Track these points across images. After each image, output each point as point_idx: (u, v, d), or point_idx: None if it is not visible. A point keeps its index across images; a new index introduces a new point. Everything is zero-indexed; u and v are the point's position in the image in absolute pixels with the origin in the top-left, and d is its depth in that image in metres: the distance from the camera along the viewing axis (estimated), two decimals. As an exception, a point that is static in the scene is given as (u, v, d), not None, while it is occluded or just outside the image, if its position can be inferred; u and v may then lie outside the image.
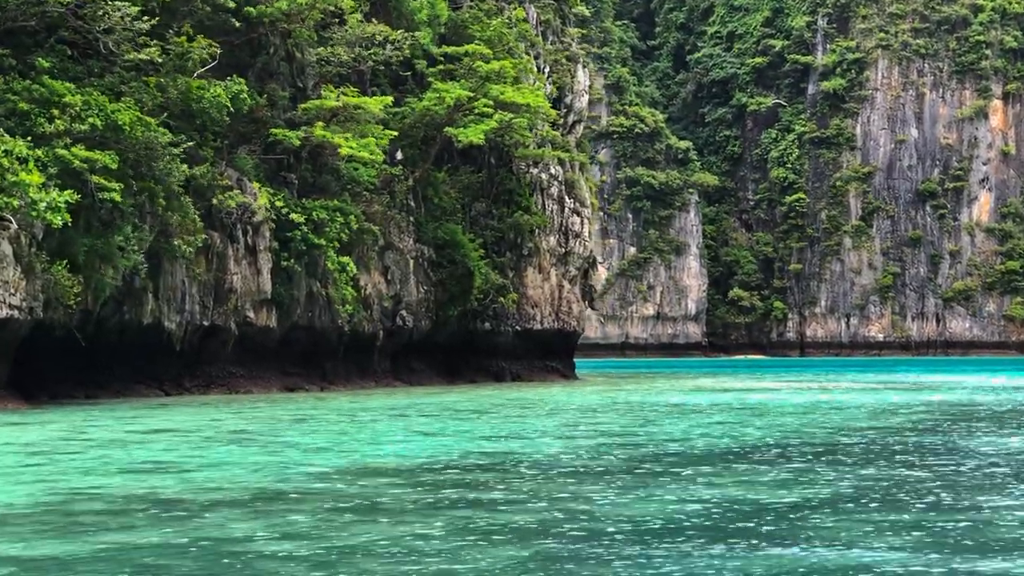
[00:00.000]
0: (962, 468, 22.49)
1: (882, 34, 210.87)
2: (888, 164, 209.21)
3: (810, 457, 24.44)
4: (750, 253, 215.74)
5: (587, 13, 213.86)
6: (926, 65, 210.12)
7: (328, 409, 42.14)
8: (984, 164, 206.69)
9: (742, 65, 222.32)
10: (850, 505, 17.46)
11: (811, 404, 46.51)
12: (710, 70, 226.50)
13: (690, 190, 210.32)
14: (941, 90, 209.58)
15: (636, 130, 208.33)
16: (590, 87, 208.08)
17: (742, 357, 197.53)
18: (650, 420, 36.45)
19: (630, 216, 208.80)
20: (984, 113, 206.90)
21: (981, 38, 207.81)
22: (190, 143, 49.63)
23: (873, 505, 17.46)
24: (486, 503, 17.51)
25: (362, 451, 25.87)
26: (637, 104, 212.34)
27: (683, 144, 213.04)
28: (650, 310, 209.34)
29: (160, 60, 49.02)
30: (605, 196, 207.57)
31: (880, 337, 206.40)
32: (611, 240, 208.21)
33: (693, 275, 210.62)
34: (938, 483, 19.98)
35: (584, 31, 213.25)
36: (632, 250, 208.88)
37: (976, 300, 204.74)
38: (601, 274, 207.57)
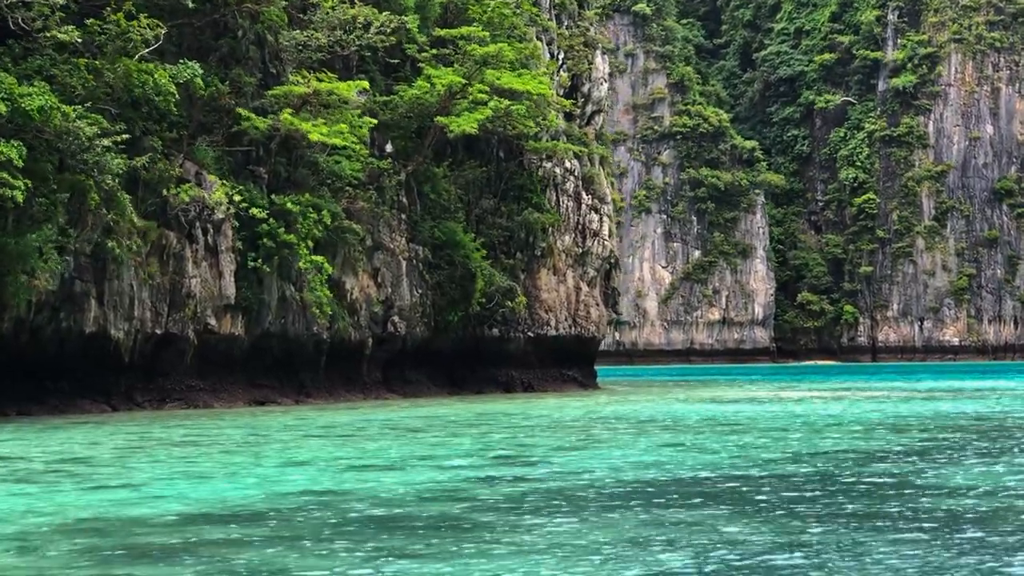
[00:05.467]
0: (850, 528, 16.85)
1: (955, 27, 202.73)
2: (962, 162, 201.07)
3: (698, 504, 18.88)
4: (819, 255, 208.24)
5: (648, 11, 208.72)
6: (1001, 59, 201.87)
7: (245, 427, 36.98)
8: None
9: (810, 62, 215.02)
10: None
11: (809, 418, 40.80)
12: (777, 68, 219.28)
13: (756, 191, 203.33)
14: (1018, 85, 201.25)
15: (700, 130, 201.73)
16: (654, 86, 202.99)
17: (811, 363, 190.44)
18: (599, 441, 30.98)
19: (694, 218, 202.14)
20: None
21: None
22: (125, 135, 44.48)
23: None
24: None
25: (152, 493, 20.61)
26: (701, 103, 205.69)
27: (749, 144, 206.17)
28: (716, 315, 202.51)
29: (80, 40, 44.19)
30: (668, 198, 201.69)
31: (955, 341, 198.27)
32: (675, 243, 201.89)
33: (760, 279, 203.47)
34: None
35: (646, 29, 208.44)
36: (696, 253, 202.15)
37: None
38: (664, 278, 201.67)
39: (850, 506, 18.48)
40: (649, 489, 20.57)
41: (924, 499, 19.24)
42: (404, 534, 15.68)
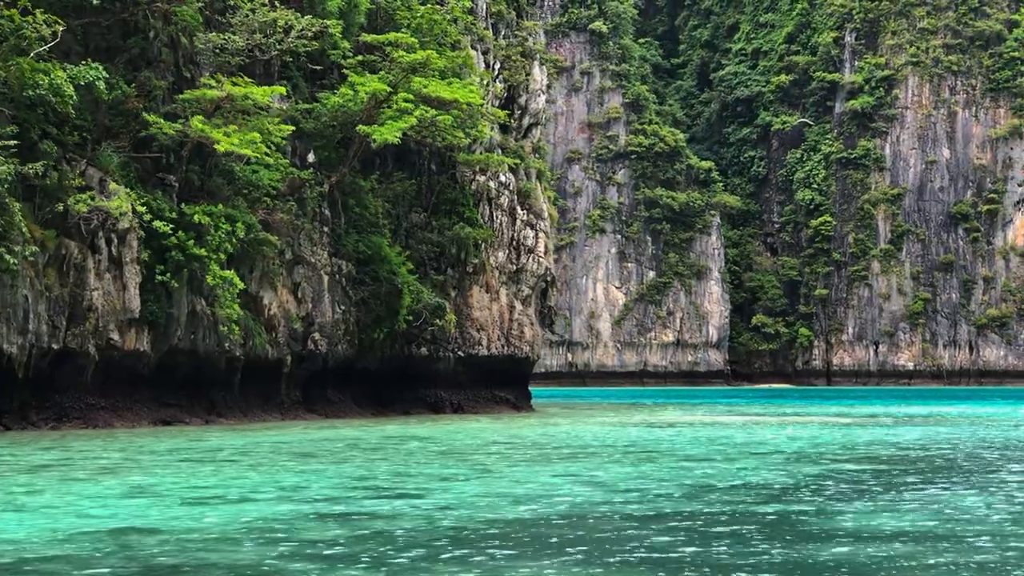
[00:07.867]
0: None
1: (912, 50, 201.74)
2: (919, 185, 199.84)
3: (536, 551, 16.52)
4: (775, 278, 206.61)
5: (605, 30, 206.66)
6: (958, 82, 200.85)
7: (123, 449, 34.36)
8: (1020, 185, 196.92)
9: (767, 83, 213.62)
10: None
11: (730, 446, 38.59)
12: (734, 88, 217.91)
13: (712, 212, 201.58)
14: (974, 108, 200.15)
15: (656, 149, 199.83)
16: (610, 105, 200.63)
17: (765, 386, 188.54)
18: (487, 471, 28.56)
19: (648, 239, 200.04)
20: (1019, 132, 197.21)
21: (1016, 54, 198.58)
22: (15, 140, 41.95)
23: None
24: None
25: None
26: (657, 123, 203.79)
27: (705, 164, 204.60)
28: (669, 337, 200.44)
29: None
30: (623, 218, 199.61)
31: (910, 366, 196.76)
32: (629, 264, 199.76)
33: (715, 300, 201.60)
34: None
35: (602, 47, 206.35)
36: (651, 274, 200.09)
37: (1011, 327, 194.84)
38: (618, 298, 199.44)
39: (701, 551, 16.25)
40: (497, 531, 18.15)
41: (779, 546, 16.99)
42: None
